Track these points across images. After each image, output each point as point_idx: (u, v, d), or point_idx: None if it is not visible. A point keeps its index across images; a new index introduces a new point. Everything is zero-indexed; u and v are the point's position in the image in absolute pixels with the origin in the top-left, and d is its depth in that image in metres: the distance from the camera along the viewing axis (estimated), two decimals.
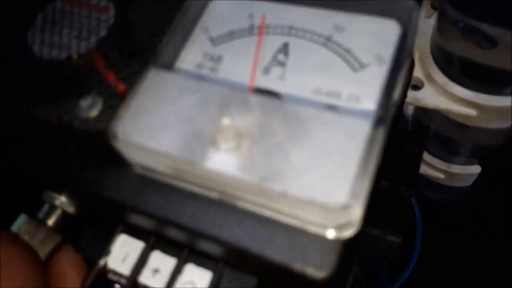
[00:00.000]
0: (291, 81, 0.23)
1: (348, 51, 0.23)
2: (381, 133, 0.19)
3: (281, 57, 0.24)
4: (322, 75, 0.23)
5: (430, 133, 0.44)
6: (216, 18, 0.26)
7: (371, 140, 0.19)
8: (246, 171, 0.19)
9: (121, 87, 0.23)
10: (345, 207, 0.17)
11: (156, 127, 0.21)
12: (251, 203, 0.20)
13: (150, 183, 0.21)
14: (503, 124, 0.37)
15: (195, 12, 0.26)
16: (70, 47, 0.25)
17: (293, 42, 0.24)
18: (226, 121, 0.19)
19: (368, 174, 0.18)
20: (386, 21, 0.24)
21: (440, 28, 0.35)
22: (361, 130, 0.19)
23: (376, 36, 0.23)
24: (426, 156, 0.44)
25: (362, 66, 0.22)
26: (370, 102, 0.21)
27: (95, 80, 0.23)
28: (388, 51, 0.23)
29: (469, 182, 0.46)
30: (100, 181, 0.22)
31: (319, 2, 0.25)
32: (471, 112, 0.36)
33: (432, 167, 0.44)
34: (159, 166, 0.21)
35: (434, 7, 0.39)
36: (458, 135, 0.42)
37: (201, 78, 0.23)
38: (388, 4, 0.23)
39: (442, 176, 0.45)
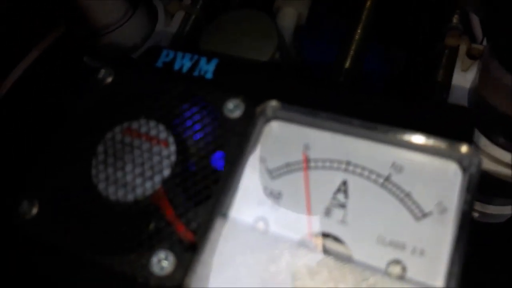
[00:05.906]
0: (353, 227, 0.24)
1: (408, 195, 0.24)
2: None
3: (341, 197, 0.25)
4: (385, 221, 0.24)
5: None
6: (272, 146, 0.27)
7: None
8: None
9: (191, 239, 0.24)
10: None
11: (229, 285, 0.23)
12: None
13: None
14: None
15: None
16: (135, 187, 0.26)
17: (352, 180, 0.25)
18: None
19: None
20: (446, 163, 0.24)
21: (484, 84, 0.35)
22: None
23: (437, 180, 0.24)
24: None
25: (424, 215, 0.23)
26: (436, 261, 0.22)
27: (166, 231, 0.25)
28: (450, 199, 0.23)
29: (502, 219, 0.47)
30: None
31: (376, 135, 0.25)
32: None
33: None
34: None
35: (470, 56, 0.39)
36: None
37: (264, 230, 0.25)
38: (448, 143, 0.24)
39: (476, 214, 0.46)
